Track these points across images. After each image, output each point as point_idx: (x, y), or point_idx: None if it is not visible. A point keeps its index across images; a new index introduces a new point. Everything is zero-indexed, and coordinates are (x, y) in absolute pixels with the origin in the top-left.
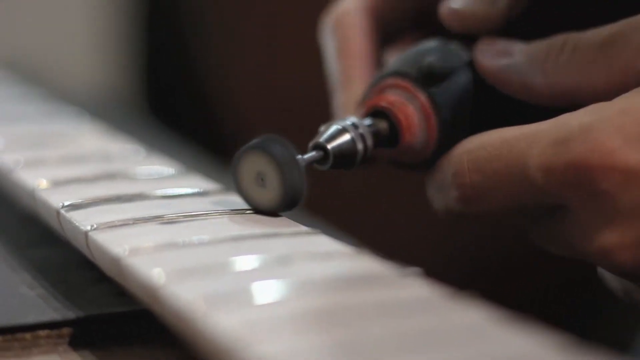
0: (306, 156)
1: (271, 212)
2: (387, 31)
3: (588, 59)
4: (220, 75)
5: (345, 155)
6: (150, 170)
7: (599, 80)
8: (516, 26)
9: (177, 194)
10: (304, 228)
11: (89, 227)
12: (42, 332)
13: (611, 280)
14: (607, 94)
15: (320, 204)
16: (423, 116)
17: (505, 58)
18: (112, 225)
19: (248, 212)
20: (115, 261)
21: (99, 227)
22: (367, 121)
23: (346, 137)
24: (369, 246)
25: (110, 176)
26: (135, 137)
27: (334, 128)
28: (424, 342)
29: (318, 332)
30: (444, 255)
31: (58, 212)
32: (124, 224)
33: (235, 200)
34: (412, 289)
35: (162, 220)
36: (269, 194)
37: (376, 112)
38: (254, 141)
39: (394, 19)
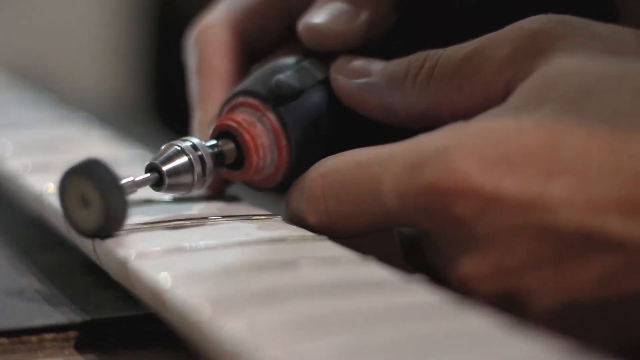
0: (139, 178)
1: (93, 235)
2: (254, 48)
3: (448, 77)
4: None
5: (181, 177)
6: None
7: (458, 99)
8: (382, 46)
9: (184, 199)
10: (309, 234)
11: None
12: (48, 335)
13: None
14: (468, 113)
15: None
16: (273, 136)
17: (362, 77)
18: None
19: (255, 217)
20: (122, 265)
21: None
22: (211, 142)
23: (183, 159)
24: (376, 252)
25: None
26: (143, 142)
27: (172, 149)
28: (429, 347)
29: (323, 337)
30: None
31: None
32: (131, 228)
33: (242, 206)
34: (418, 295)
35: (169, 225)
36: (92, 216)
37: (223, 132)
38: (79, 163)
39: (262, 35)
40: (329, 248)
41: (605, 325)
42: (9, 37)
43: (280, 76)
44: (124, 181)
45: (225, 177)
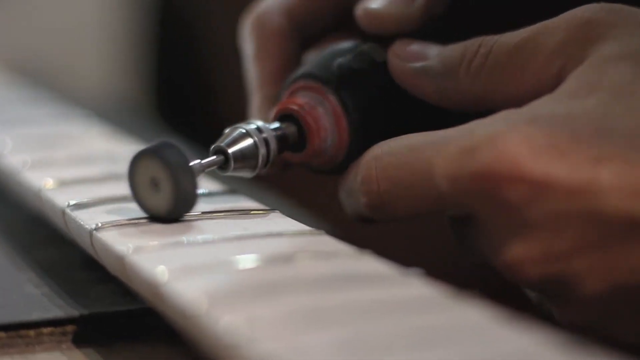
0: (205, 161)
1: (164, 218)
2: (308, 33)
3: (501, 64)
4: (229, 78)
5: (247, 159)
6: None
7: (511, 85)
8: (438, 28)
9: None
10: (307, 228)
11: (93, 226)
12: (46, 330)
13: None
14: (520, 100)
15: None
16: (333, 119)
17: (418, 61)
18: (116, 224)
19: (253, 212)
20: (120, 259)
21: (104, 226)
22: (274, 125)
23: (249, 141)
24: (373, 247)
25: (116, 177)
26: (144, 139)
27: (237, 132)
28: (426, 340)
29: (320, 330)
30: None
31: (63, 212)
32: (129, 223)
33: (240, 200)
34: (415, 288)
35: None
36: (162, 199)
37: (285, 116)
38: (149, 146)
39: (315, 21)
40: (326, 242)
41: None
42: (10, 34)
43: (341, 60)
44: (192, 163)
45: (287, 160)
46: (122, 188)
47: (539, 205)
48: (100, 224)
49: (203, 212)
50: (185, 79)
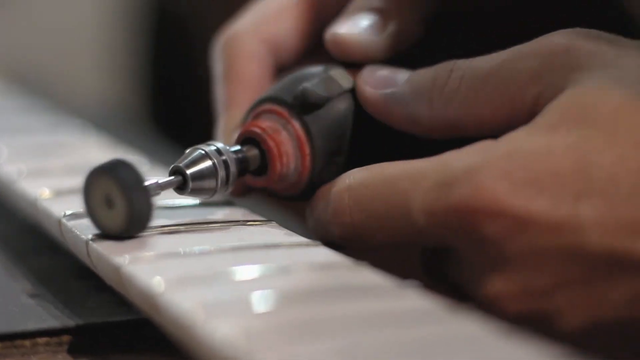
0: (162, 181)
1: (117, 235)
2: (281, 57)
3: (475, 89)
4: None
5: (205, 181)
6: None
7: (485, 111)
8: (409, 56)
9: (179, 204)
10: (303, 239)
11: (90, 236)
12: (41, 340)
13: None
14: (494, 126)
15: None
16: (296, 144)
17: (387, 87)
18: None
19: (249, 222)
20: (116, 270)
21: (100, 236)
22: (235, 147)
23: (207, 162)
24: (370, 258)
25: None
26: (140, 149)
27: (196, 153)
28: (422, 352)
29: (316, 341)
30: None
31: (60, 222)
32: None
33: (237, 211)
34: (411, 300)
35: (163, 230)
36: (116, 217)
37: (248, 139)
38: (104, 163)
39: (288, 44)
40: (323, 254)
41: (633, 345)
42: (5, 41)
43: (307, 84)
44: (148, 183)
45: (248, 184)
46: None
47: (519, 240)
48: (96, 234)
49: (199, 223)
50: (181, 87)
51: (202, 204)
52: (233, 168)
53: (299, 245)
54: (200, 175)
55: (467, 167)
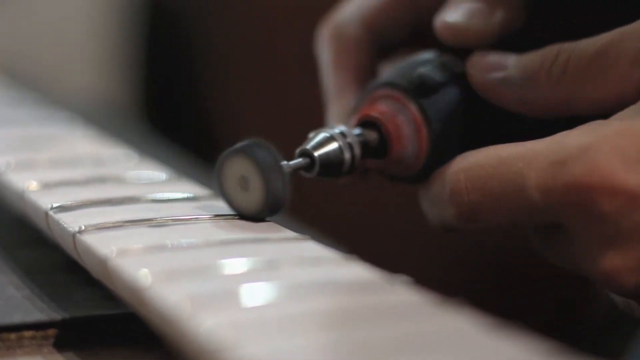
0: (292, 162)
1: (253, 217)
2: (383, 43)
3: (582, 70)
4: (217, 83)
5: (332, 163)
6: (142, 175)
7: (593, 91)
8: (514, 40)
9: (167, 198)
10: (292, 234)
11: (77, 229)
12: (27, 333)
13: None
14: (603, 105)
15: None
16: (414, 128)
17: (497, 71)
18: (100, 227)
19: (238, 217)
20: (102, 263)
21: (87, 229)
22: (357, 130)
23: (334, 145)
24: (366, 254)
25: (101, 180)
26: (131, 143)
27: (322, 135)
28: (411, 347)
29: (303, 335)
30: (443, 262)
31: (47, 214)
32: (113, 226)
33: (225, 206)
34: (400, 295)
35: (151, 223)
36: (252, 198)
37: (366, 123)
38: (239, 144)
39: (391, 31)
40: (312, 248)
41: None
42: None
43: (422, 69)
44: (282, 163)
45: (365, 166)
46: (107, 191)
47: (634, 215)
48: (83, 227)
49: (188, 216)
50: (173, 83)
51: (191, 198)
52: (357, 150)
53: (288, 239)
54: (327, 157)
55: (581, 146)
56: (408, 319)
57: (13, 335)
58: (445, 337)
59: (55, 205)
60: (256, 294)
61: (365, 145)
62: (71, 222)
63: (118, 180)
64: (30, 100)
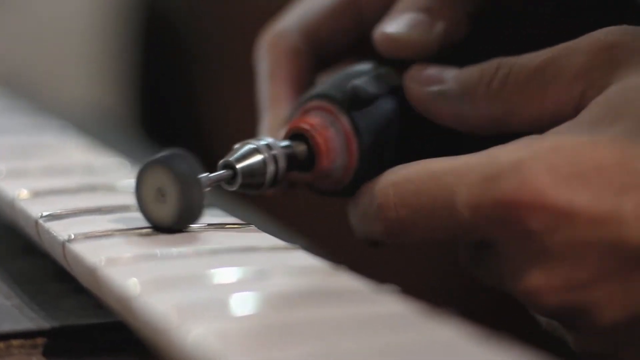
0: (213, 175)
1: (167, 229)
2: (323, 54)
3: (521, 86)
4: (213, 90)
5: (254, 176)
6: (133, 183)
7: (531, 108)
8: (456, 54)
9: None
10: (282, 243)
11: (66, 237)
12: (16, 342)
13: None
14: (540, 123)
15: (307, 221)
16: (344, 141)
17: (435, 85)
18: (90, 236)
19: (228, 226)
20: (92, 271)
21: (77, 238)
22: (284, 142)
23: (258, 157)
24: (355, 264)
25: (92, 188)
26: (124, 151)
27: (246, 147)
28: (398, 357)
29: (291, 345)
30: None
31: (37, 222)
32: (102, 234)
33: (216, 214)
34: (387, 305)
35: (141, 232)
36: (167, 210)
37: (296, 135)
38: (158, 155)
39: (331, 43)
40: (301, 258)
41: None
42: None
43: (357, 81)
44: (200, 176)
45: (293, 179)
46: (97, 200)
47: (561, 233)
48: (73, 236)
49: None
50: (168, 90)
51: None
52: (282, 163)
53: (278, 248)
54: (250, 170)
55: (513, 161)
56: (397, 328)
57: (2, 344)
58: (434, 347)
59: (45, 213)
60: (245, 304)
61: (292, 157)
62: (61, 230)
63: (109, 188)
64: (22, 108)
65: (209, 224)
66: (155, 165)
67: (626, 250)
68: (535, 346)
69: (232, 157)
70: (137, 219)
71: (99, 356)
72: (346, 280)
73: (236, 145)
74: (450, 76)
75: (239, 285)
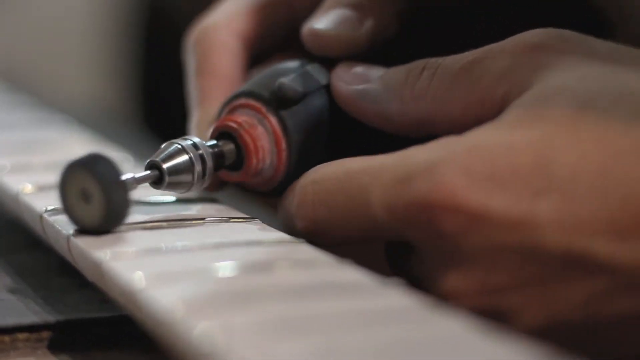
0: (138, 175)
1: (93, 231)
2: (255, 51)
3: (445, 87)
4: None
5: (181, 175)
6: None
7: (455, 109)
8: (385, 51)
9: (161, 201)
10: (287, 236)
11: (71, 232)
12: (21, 335)
13: None
14: (463, 125)
15: None
16: (272, 139)
17: (361, 83)
18: None
19: (233, 219)
20: (97, 265)
21: (81, 232)
22: (211, 142)
23: (184, 157)
24: (360, 257)
25: None
26: (127, 146)
27: (172, 147)
28: (404, 350)
29: (297, 339)
30: None
31: (41, 217)
32: None
33: (220, 208)
34: (393, 298)
35: (145, 226)
36: (92, 211)
37: (224, 133)
38: (81, 157)
39: (262, 38)
40: (305, 251)
41: (590, 346)
42: None
43: (284, 79)
44: (124, 177)
45: (223, 178)
46: None
47: (475, 236)
48: (77, 230)
49: (182, 219)
50: (170, 86)
51: (185, 201)
52: (209, 163)
53: (282, 242)
54: (176, 170)
55: (427, 162)
56: (402, 322)
57: (7, 338)
58: (439, 341)
59: (49, 208)
60: (250, 297)
61: (220, 156)
62: (65, 224)
63: None
64: (26, 104)
65: (213, 218)
66: (78, 168)
67: (541, 255)
68: (541, 339)
69: (158, 157)
70: (142, 212)
71: (104, 350)
72: (352, 274)
73: (163, 145)
74: (376, 75)
75: (244, 279)
